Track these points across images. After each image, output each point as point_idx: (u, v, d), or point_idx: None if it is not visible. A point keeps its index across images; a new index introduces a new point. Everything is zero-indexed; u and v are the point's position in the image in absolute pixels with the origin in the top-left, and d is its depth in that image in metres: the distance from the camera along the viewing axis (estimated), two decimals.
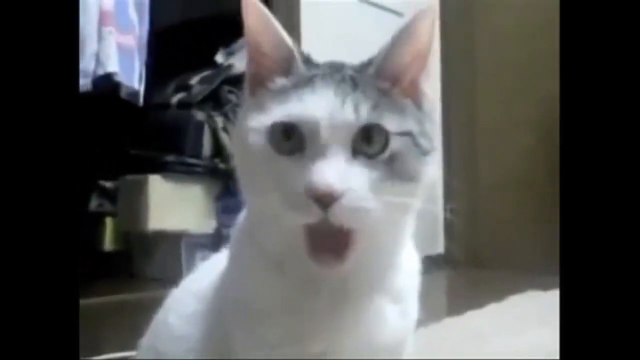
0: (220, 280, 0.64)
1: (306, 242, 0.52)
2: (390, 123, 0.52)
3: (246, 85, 0.59)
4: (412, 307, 0.62)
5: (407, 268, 0.61)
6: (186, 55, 2.22)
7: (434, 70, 0.60)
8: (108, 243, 2.17)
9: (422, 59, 0.57)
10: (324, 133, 0.50)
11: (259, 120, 0.53)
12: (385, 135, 0.52)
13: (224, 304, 0.62)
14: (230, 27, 2.22)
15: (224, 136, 2.10)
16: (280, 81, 0.55)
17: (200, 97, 2.15)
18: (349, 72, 0.56)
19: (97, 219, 2.20)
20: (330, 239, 0.51)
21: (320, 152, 0.50)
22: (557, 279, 0.60)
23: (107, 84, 1.72)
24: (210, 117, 2.11)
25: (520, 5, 2.67)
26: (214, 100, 2.16)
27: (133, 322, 0.79)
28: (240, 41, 2.28)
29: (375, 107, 0.52)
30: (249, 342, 0.58)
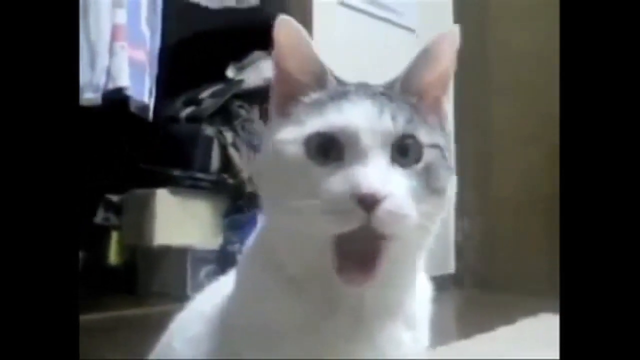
0: (229, 302, 0.64)
1: (335, 257, 0.52)
2: (423, 135, 0.54)
3: (273, 102, 0.59)
4: (424, 334, 0.62)
5: (420, 295, 0.62)
6: (196, 70, 2.23)
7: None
8: (113, 257, 2.16)
9: (444, 81, 0.59)
10: (365, 140, 0.52)
11: (294, 132, 0.54)
12: (419, 147, 0.54)
13: (233, 327, 0.61)
14: (241, 42, 2.25)
15: (232, 151, 2.10)
16: (314, 95, 0.57)
17: (210, 112, 2.15)
18: (379, 88, 0.57)
19: (103, 233, 2.20)
20: (359, 255, 0.52)
21: (361, 158, 0.51)
22: None
23: (116, 97, 1.73)
24: (219, 132, 2.11)
25: (532, 24, 2.67)
26: (224, 115, 2.16)
27: (138, 337, 0.78)
28: (251, 55, 2.29)
29: (409, 119, 0.54)
30: None
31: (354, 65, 1.59)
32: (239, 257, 0.65)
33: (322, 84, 0.57)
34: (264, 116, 2.18)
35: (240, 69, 2.30)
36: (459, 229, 2.75)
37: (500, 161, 2.82)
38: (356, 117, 0.53)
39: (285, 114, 0.57)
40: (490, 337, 1.66)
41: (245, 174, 2.09)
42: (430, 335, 0.63)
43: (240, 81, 2.23)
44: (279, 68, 0.58)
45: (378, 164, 0.51)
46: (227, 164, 2.10)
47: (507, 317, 1.79)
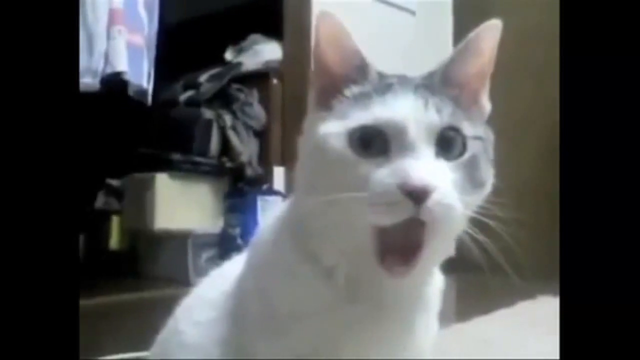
0: (241, 287, 0.64)
1: (378, 248, 0.52)
2: (466, 127, 0.55)
3: (313, 95, 0.59)
4: (435, 322, 0.63)
5: (435, 285, 0.63)
6: (195, 53, 2.22)
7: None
8: (114, 242, 2.17)
9: (484, 74, 0.59)
10: (412, 133, 0.52)
11: (338, 125, 0.54)
12: (463, 139, 0.54)
13: (246, 311, 0.61)
14: (239, 25, 2.23)
15: (232, 134, 2.09)
16: (356, 88, 0.57)
17: (208, 95, 2.14)
18: (419, 80, 0.57)
19: (104, 218, 2.20)
20: (402, 246, 0.52)
21: (408, 151, 0.52)
22: None
23: (115, 82, 1.72)
24: (218, 115, 2.10)
25: (534, 12, 2.64)
26: (223, 98, 2.15)
27: (139, 322, 0.78)
28: (250, 38, 2.28)
29: (453, 111, 0.54)
30: (274, 351, 0.58)
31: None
32: (255, 242, 0.65)
33: (363, 77, 0.57)
34: (263, 99, 2.17)
35: (238, 52, 2.29)
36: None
37: (502, 150, 2.81)
38: (402, 110, 0.53)
39: (326, 107, 0.57)
40: (489, 319, 1.66)
41: (244, 157, 2.09)
42: None
43: (239, 64, 2.21)
44: (320, 62, 0.58)
45: (425, 157, 0.51)
46: (226, 147, 2.10)
47: (506, 300, 1.80)
